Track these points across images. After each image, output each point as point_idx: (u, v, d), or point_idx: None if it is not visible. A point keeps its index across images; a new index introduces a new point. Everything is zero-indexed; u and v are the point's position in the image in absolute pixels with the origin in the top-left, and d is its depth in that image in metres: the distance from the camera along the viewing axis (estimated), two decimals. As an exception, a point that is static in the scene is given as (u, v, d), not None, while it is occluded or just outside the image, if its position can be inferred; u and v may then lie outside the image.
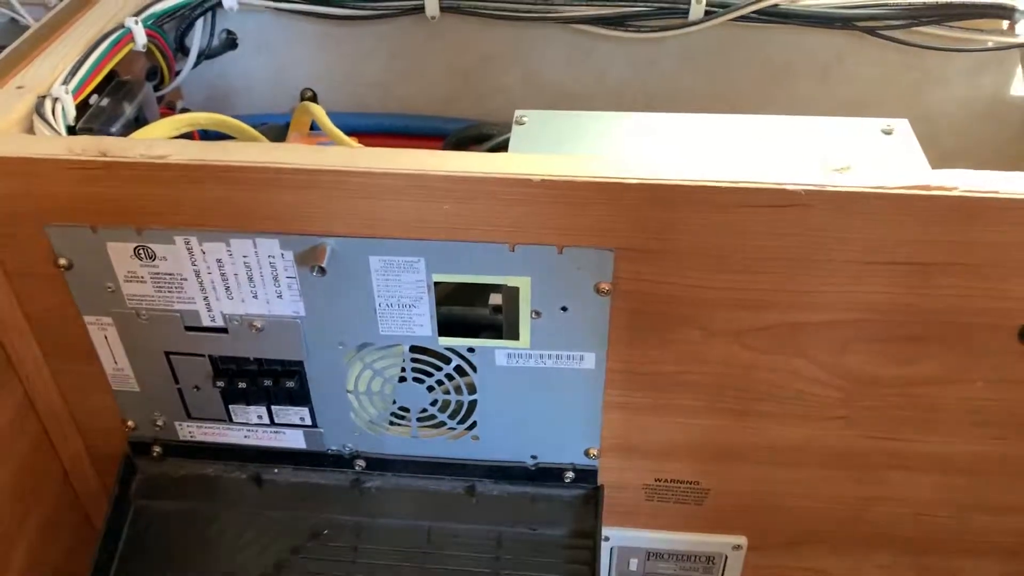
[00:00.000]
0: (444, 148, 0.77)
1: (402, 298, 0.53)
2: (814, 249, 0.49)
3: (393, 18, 0.73)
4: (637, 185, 0.47)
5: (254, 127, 0.66)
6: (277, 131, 0.80)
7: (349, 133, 0.82)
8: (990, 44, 0.72)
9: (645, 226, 0.49)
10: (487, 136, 0.76)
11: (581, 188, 0.48)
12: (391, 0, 0.72)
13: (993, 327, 0.52)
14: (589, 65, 0.78)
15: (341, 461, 0.63)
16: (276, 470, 0.65)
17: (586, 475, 0.62)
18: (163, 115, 0.74)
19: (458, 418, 0.60)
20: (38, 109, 0.55)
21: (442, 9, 0.72)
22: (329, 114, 0.70)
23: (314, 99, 0.82)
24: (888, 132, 0.58)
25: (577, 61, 0.77)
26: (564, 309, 0.53)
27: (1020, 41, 0.71)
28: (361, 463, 0.63)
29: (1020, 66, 0.75)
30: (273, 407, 0.61)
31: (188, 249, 0.52)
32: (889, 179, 0.47)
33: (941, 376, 0.54)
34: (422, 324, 0.55)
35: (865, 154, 0.56)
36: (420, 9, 0.72)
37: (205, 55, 0.77)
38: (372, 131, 0.82)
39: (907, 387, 0.55)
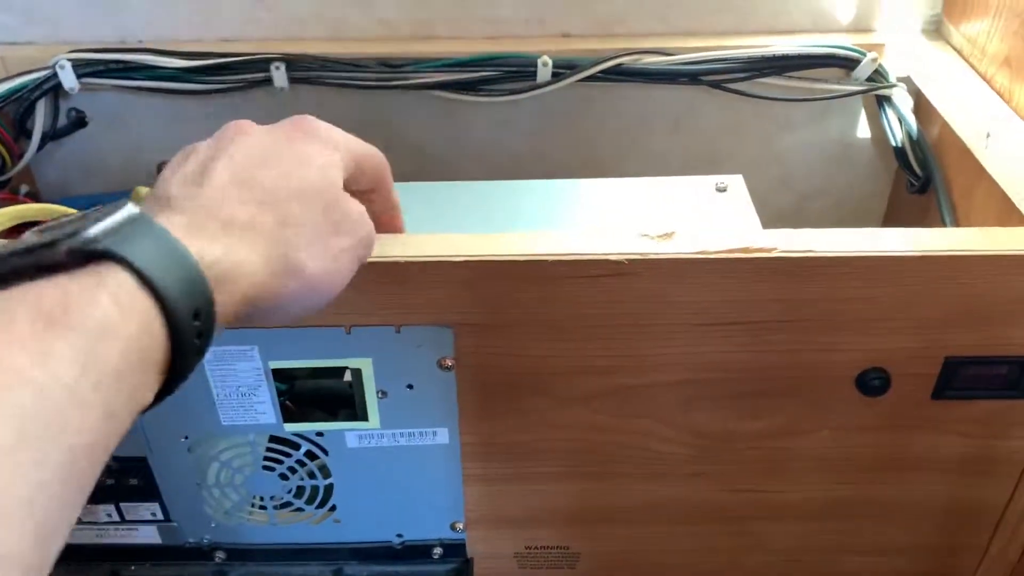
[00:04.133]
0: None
1: (240, 387, 0.52)
2: (646, 315, 0.49)
3: (243, 91, 0.72)
4: (464, 263, 0.47)
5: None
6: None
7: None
8: (830, 92, 0.75)
9: (479, 301, 0.49)
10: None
11: (409, 268, 0.47)
12: (239, 74, 0.71)
13: (830, 379, 0.53)
14: (449, 129, 0.78)
15: (200, 554, 0.61)
16: (134, 567, 0.62)
17: (454, 549, 0.61)
18: (6, 200, 0.71)
19: (316, 502, 0.58)
20: None
21: (291, 80, 0.71)
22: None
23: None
24: (722, 189, 0.59)
25: (436, 126, 0.78)
26: (410, 387, 0.53)
27: (858, 89, 0.74)
28: (222, 554, 0.61)
29: (863, 110, 0.78)
30: (122, 504, 0.58)
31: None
32: (710, 243, 0.48)
33: (788, 428, 0.55)
34: (265, 412, 0.53)
35: (695, 215, 0.57)
36: (269, 81, 0.71)
37: (51, 136, 0.75)
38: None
39: (756, 440, 0.55)
